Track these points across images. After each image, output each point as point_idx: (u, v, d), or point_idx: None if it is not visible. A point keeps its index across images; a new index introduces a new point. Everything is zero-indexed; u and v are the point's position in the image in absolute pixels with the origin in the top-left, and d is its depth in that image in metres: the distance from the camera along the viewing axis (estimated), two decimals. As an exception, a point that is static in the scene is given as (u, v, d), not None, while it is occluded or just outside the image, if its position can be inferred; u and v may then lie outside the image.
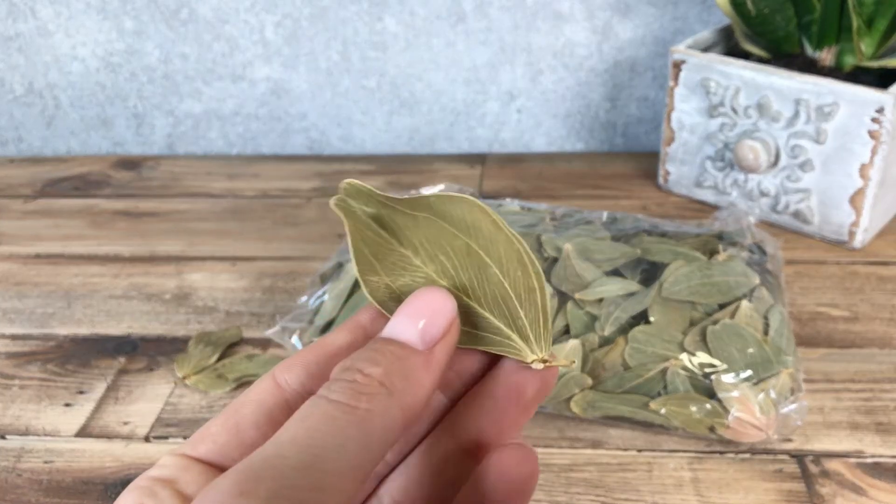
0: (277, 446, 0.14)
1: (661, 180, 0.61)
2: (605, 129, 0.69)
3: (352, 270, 0.43)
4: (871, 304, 0.48)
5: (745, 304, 0.40)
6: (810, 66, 0.53)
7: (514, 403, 0.18)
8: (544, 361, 0.18)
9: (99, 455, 0.40)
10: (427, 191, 0.44)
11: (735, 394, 0.37)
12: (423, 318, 0.17)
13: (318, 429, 0.14)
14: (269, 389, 0.18)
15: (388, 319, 0.18)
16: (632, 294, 0.41)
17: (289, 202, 0.62)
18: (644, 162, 0.65)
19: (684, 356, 0.38)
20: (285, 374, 0.18)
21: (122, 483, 0.38)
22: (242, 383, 0.43)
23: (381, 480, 0.19)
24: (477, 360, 0.19)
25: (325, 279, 0.45)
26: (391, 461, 0.19)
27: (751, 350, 0.38)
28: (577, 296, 0.40)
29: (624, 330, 0.39)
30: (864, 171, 0.50)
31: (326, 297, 0.43)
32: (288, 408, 0.18)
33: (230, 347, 0.46)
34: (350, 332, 0.19)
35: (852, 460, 0.38)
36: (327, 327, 0.42)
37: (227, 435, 0.17)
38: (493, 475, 0.17)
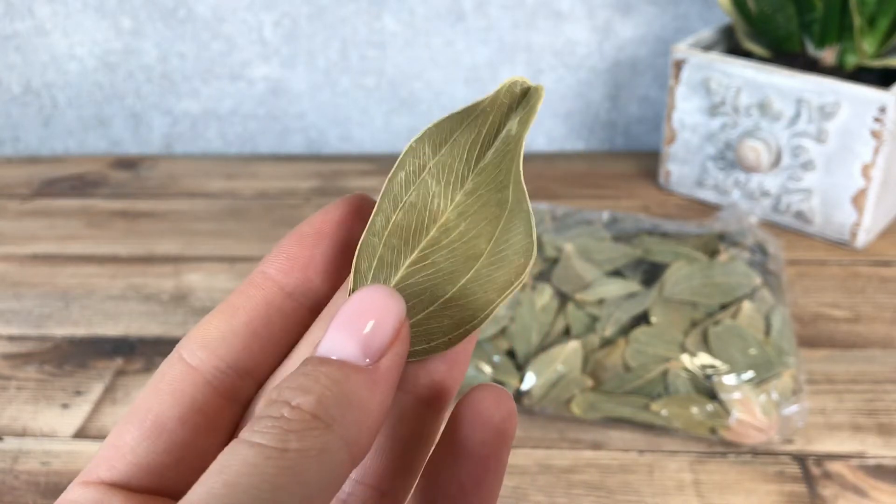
0: None
1: (662, 180, 0.60)
2: (605, 129, 0.69)
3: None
4: (873, 305, 0.48)
5: (746, 304, 0.39)
6: (812, 66, 0.53)
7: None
8: None
9: (96, 457, 0.40)
10: None
11: (736, 395, 0.37)
12: (364, 326, 0.13)
13: (238, 483, 0.11)
14: (182, 375, 0.15)
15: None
16: (633, 295, 0.40)
17: (287, 202, 0.62)
18: (645, 161, 0.65)
19: (685, 357, 0.38)
20: (197, 352, 0.15)
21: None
22: None
23: None
24: None
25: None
26: None
27: (752, 351, 0.38)
28: (577, 296, 0.40)
29: (625, 331, 0.39)
30: (866, 170, 0.50)
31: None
32: (212, 389, 0.15)
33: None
34: (259, 289, 0.16)
35: (854, 462, 0.38)
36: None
37: (148, 443, 0.14)
38: (469, 420, 0.15)
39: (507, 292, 0.15)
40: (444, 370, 0.16)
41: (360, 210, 0.17)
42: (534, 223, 0.15)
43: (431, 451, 0.16)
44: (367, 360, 0.13)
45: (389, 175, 0.16)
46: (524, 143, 0.15)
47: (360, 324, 0.13)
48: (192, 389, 0.15)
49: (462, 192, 0.15)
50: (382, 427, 0.15)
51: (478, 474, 0.15)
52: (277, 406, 0.13)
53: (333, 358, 0.13)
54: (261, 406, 0.13)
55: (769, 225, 0.55)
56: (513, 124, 0.16)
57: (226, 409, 0.15)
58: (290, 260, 0.16)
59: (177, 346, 0.15)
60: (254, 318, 0.15)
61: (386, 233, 0.16)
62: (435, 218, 0.15)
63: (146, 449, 0.14)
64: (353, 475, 0.15)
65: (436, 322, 0.15)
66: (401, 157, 0.16)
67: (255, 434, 0.12)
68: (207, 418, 0.14)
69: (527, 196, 0.15)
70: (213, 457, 0.13)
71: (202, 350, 0.15)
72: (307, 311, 0.16)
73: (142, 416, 0.14)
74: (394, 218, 0.16)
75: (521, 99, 0.16)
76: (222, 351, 0.15)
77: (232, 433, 0.15)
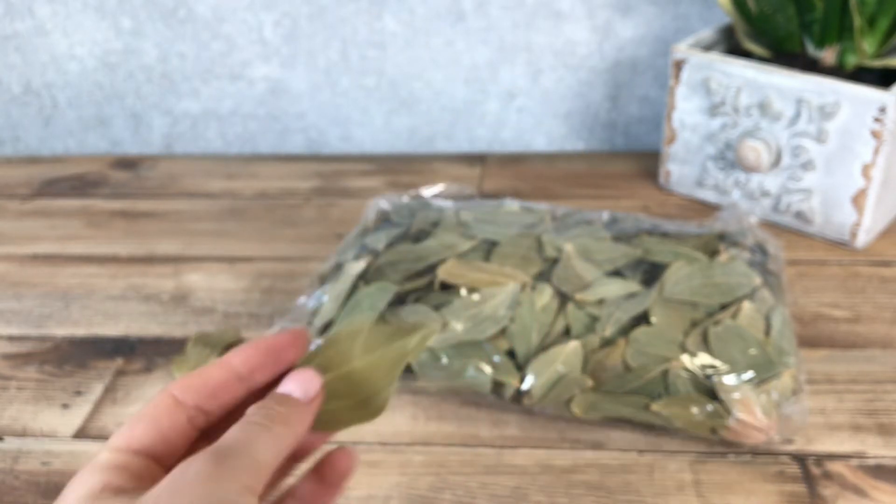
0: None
1: (662, 180, 0.60)
2: (605, 129, 0.69)
3: (350, 271, 0.43)
4: (873, 305, 0.48)
5: (746, 304, 0.39)
6: (812, 66, 0.53)
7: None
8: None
9: (96, 457, 0.40)
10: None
11: (737, 395, 0.37)
12: (305, 384, 0.24)
13: (242, 436, 0.22)
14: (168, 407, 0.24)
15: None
16: (633, 295, 0.40)
17: (287, 202, 0.62)
18: (645, 162, 0.65)
19: (686, 357, 0.38)
20: (181, 395, 0.24)
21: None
22: None
23: None
24: None
25: (323, 280, 0.45)
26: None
27: (752, 351, 0.38)
28: (577, 297, 0.40)
29: (625, 331, 0.39)
30: (866, 170, 0.50)
31: (325, 297, 0.43)
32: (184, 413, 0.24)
33: (228, 348, 0.46)
34: (221, 372, 0.24)
35: (854, 462, 0.38)
36: (326, 328, 0.42)
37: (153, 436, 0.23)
38: (330, 470, 0.26)
39: (366, 420, 0.25)
40: (315, 441, 0.27)
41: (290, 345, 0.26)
42: (391, 394, 0.25)
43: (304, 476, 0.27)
44: (302, 396, 0.24)
45: (332, 334, 0.26)
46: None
47: (303, 379, 0.24)
48: (172, 419, 0.24)
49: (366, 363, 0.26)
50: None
51: (324, 492, 0.26)
52: (270, 401, 0.24)
53: (286, 394, 0.24)
54: (252, 409, 0.23)
55: (769, 225, 0.55)
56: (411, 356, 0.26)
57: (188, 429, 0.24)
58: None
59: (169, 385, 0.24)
60: (218, 388, 0.25)
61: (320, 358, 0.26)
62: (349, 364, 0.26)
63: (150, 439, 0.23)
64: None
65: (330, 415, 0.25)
66: (341, 333, 0.26)
67: (255, 416, 0.23)
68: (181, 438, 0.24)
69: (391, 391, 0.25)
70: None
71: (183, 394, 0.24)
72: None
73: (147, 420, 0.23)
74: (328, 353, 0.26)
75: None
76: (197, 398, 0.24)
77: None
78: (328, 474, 0.26)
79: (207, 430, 0.24)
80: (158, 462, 0.23)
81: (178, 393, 0.23)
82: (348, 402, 0.25)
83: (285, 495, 0.26)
